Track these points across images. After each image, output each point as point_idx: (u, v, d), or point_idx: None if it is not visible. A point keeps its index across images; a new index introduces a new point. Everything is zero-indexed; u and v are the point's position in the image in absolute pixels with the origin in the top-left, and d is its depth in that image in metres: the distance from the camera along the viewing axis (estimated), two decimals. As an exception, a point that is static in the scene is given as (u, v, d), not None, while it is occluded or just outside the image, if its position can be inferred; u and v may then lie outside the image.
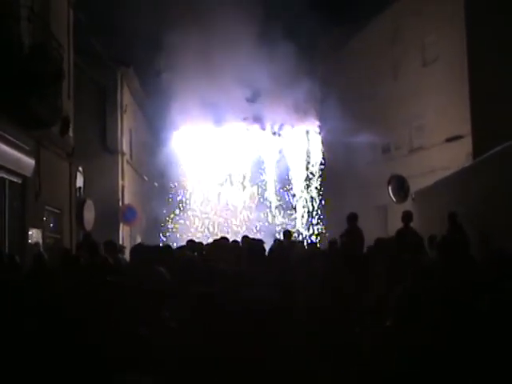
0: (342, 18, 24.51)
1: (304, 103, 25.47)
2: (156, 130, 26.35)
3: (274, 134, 26.59)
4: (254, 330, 4.77)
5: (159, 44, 22.14)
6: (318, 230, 26.61)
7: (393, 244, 8.15)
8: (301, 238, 24.24)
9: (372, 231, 11.63)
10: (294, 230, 20.89)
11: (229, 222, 26.29)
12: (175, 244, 12.25)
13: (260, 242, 8.66)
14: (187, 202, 26.38)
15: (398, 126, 24.09)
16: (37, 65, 10.85)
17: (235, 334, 4.72)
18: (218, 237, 11.26)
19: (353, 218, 11.27)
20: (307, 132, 26.97)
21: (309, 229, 26.75)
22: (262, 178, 26.95)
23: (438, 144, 20.80)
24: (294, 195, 26.98)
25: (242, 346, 4.64)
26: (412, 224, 10.92)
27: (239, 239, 10.66)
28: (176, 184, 26.51)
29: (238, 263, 7.38)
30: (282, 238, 13.23)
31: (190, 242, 10.32)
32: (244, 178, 26.97)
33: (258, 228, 25.64)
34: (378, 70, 25.10)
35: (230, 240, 10.38)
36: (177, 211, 25.90)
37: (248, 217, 26.53)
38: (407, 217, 10.87)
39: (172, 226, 25.14)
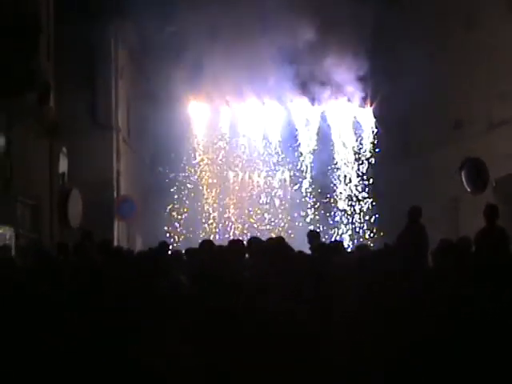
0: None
1: (351, 66, 25.26)
2: (162, 101, 26.35)
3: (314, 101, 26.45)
4: (279, 351, 4.87)
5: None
6: (366, 229, 26.52)
7: (467, 248, 7.98)
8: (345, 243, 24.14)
9: (438, 231, 11.47)
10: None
11: (252, 216, 26.39)
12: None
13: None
14: (199, 190, 26.51)
15: (473, 94, 23.72)
16: (7, 17, 10.86)
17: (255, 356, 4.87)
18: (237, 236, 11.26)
19: (415, 213, 11.12)
20: (354, 103, 26.77)
21: (355, 229, 26.66)
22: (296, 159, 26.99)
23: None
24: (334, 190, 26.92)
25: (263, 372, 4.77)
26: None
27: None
28: (187, 170, 26.59)
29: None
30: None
31: (207, 243, 10.24)
32: (273, 161, 27.01)
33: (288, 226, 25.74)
34: (446, 17, 24.68)
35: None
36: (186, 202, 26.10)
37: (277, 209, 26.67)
38: (492, 211, 10.47)
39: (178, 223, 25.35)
